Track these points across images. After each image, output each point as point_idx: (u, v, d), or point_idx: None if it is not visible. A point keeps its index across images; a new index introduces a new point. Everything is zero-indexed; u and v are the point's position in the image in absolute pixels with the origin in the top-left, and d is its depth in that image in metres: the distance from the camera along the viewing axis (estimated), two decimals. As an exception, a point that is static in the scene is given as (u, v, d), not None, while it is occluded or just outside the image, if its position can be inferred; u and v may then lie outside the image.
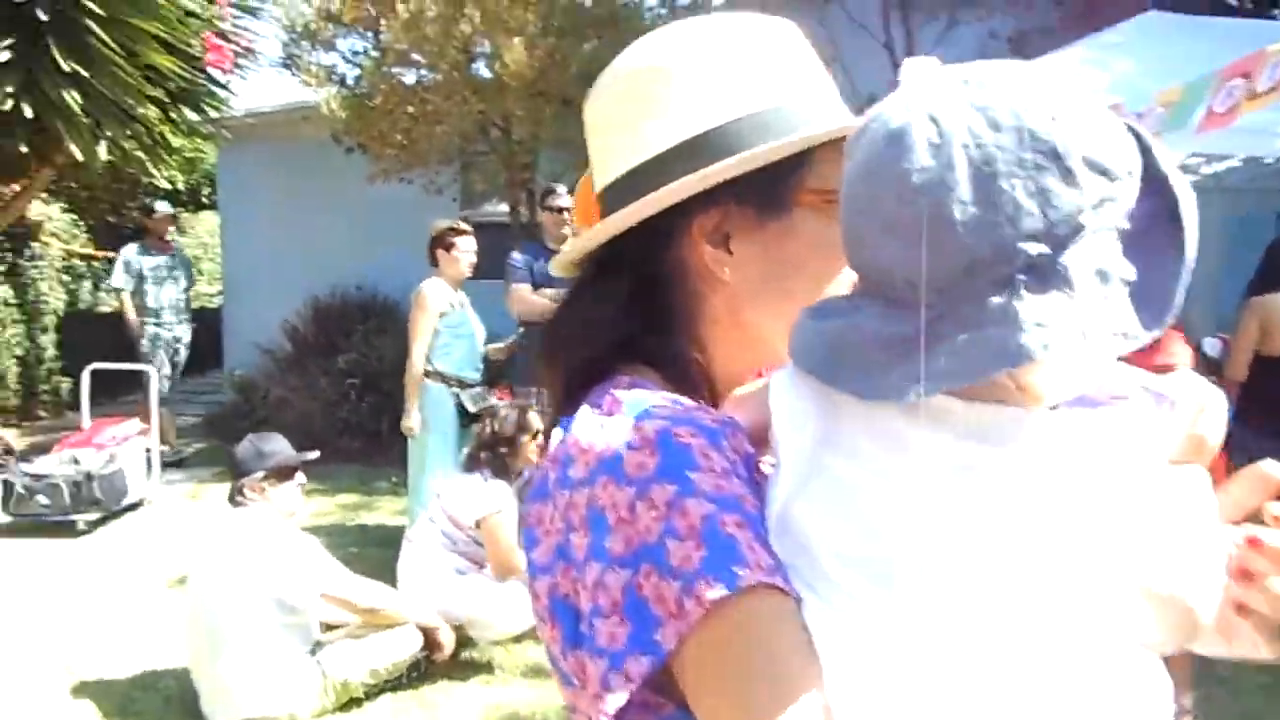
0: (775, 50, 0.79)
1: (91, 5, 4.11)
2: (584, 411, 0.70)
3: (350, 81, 6.59)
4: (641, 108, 0.77)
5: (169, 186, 10.15)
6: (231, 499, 3.13)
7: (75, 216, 9.22)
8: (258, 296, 8.69)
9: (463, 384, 4.51)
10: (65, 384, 9.36)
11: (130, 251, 6.98)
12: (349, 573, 3.25)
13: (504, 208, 9.10)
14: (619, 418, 0.67)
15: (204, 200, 11.11)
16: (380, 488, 6.26)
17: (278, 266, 8.68)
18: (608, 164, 0.80)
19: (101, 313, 10.40)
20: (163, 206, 7.36)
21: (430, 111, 6.04)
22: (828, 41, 6.85)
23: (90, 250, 9.68)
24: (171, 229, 7.36)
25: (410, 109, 6.07)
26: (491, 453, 3.68)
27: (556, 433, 0.73)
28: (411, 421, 4.31)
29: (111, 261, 10.61)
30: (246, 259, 8.99)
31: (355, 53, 6.65)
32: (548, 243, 4.78)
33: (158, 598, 4.25)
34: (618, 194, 0.77)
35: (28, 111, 4.35)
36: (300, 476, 3.19)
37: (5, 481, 5.34)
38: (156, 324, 6.93)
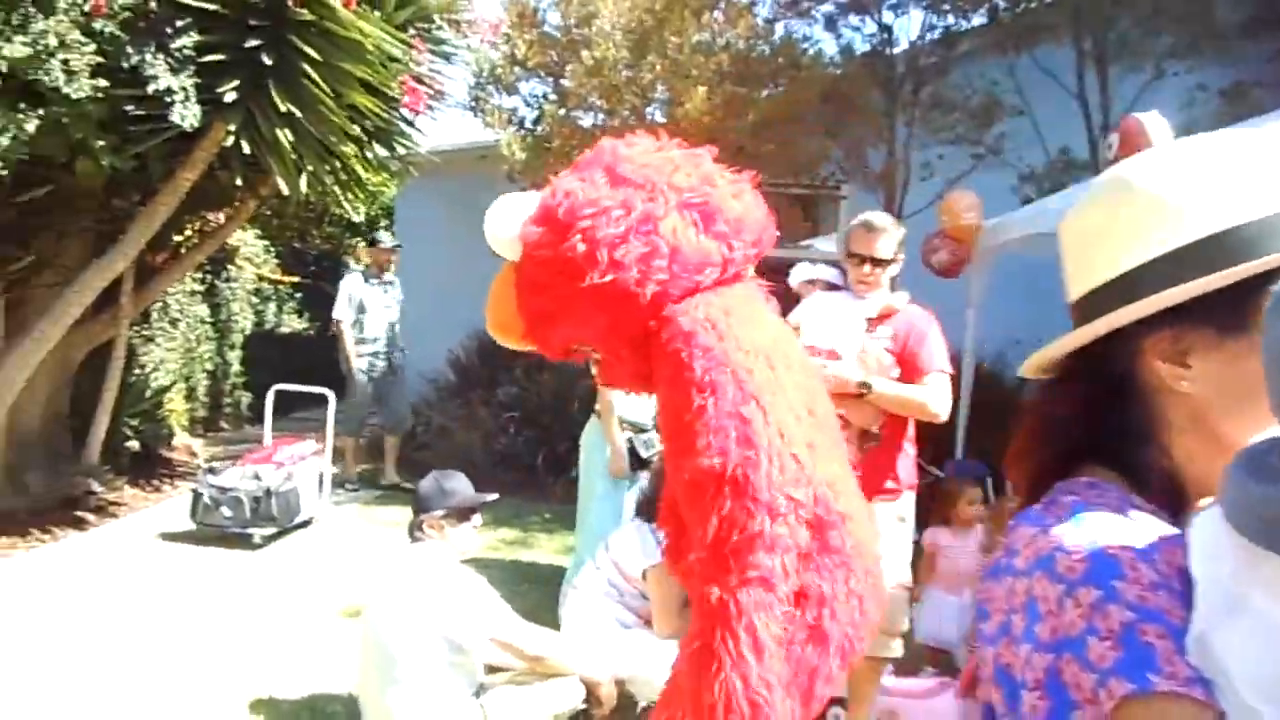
0: (1245, 166, 0.82)
1: (310, 51, 4.35)
2: (1035, 509, 0.81)
3: (529, 124, 6.77)
4: (1121, 225, 0.83)
5: (351, 218, 10.79)
6: (410, 533, 3.16)
7: (267, 242, 9.87)
8: (426, 326, 9.00)
9: (636, 428, 4.47)
10: (246, 399, 10.00)
11: (353, 283, 7.14)
12: (518, 618, 3.22)
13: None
14: (1063, 523, 0.76)
15: (380, 232, 11.74)
16: (534, 523, 6.31)
17: (446, 298, 8.96)
18: (1085, 275, 0.86)
19: (282, 334, 11.10)
20: (385, 239, 7.46)
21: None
22: (1016, 93, 6.64)
23: (277, 275, 10.32)
24: (393, 260, 7.38)
25: (587, 151, 6.16)
26: (651, 505, 3.60)
27: (1015, 523, 0.84)
28: (621, 464, 4.28)
29: (297, 286, 11.40)
30: (417, 289, 9.35)
31: (535, 96, 6.83)
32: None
33: (327, 620, 4.37)
34: (1093, 304, 0.83)
35: (245, 148, 4.65)
36: (477, 518, 3.19)
37: (195, 491, 5.68)
38: (372, 354, 7.05)
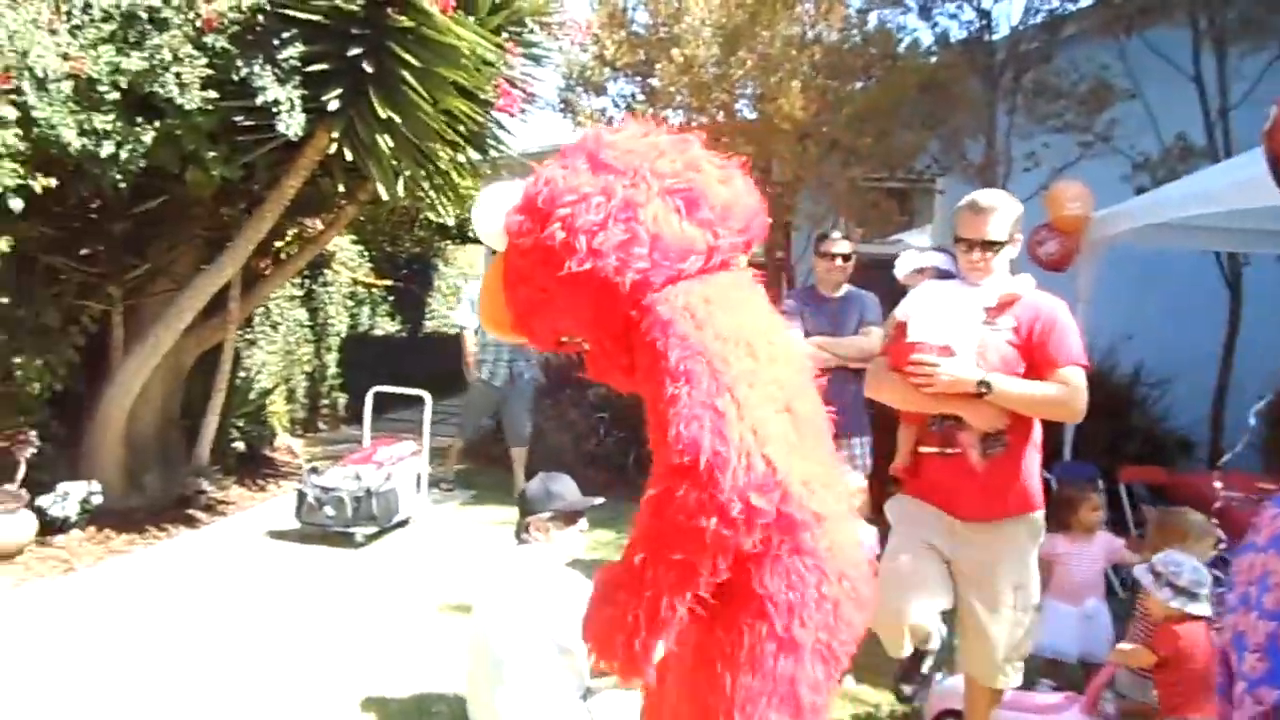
0: None
1: (408, 57, 4.42)
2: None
3: (618, 124, 6.77)
4: None
5: (442, 221, 10.99)
6: (517, 534, 3.17)
7: (361, 247, 10.11)
8: (513, 327, 9.11)
9: None
10: (342, 400, 10.27)
11: (475, 288, 6.81)
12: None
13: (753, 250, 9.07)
14: None
15: (469, 235, 11.93)
16: (626, 524, 6.27)
17: (534, 299, 9.08)
18: None
19: (376, 335, 11.37)
20: None
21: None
22: (1126, 77, 6.34)
23: (371, 279, 10.58)
24: None
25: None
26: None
27: (1265, 504, 0.97)
28: None
29: (389, 290, 11.67)
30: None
31: (624, 96, 6.82)
32: (820, 289, 4.62)
33: (430, 618, 4.43)
34: None
35: (347, 155, 4.75)
36: (583, 522, 3.18)
37: (299, 491, 5.83)
38: (493, 361, 6.89)
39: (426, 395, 6.57)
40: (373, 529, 5.77)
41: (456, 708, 3.37)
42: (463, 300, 7.09)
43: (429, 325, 13.20)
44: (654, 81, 6.52)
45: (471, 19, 4.94)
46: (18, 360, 5.09)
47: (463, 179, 5.90)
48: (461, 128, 5.41)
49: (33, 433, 5.14)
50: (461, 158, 5.74)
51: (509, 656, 3.01)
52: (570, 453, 7.35)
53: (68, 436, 5.72)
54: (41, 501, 5.12)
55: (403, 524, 6.11)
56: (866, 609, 1.82)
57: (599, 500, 3.29)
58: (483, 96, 5.32)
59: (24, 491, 4.97)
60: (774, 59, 5.44)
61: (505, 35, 5.31)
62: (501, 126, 5.97)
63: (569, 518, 3.12)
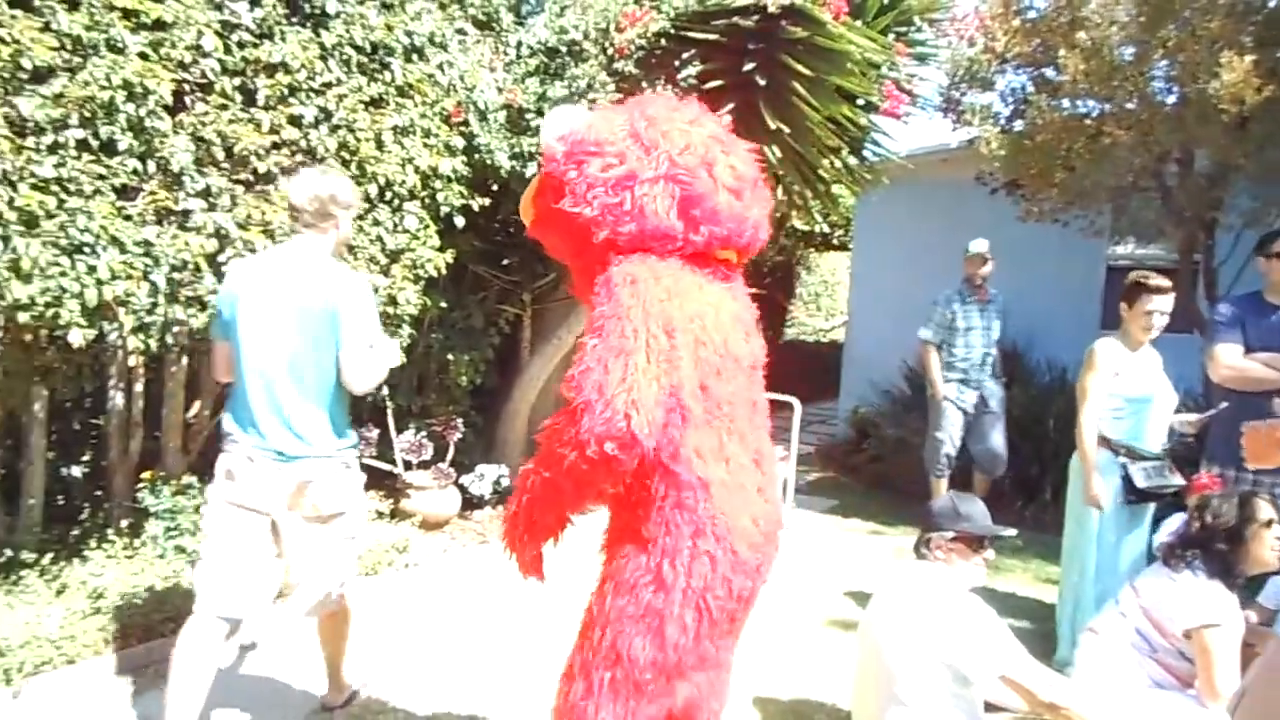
0: None
1: (800, 68, 4.46)
2: None
3: (1005, 119, 6.31)
4: None
5: (810, 228, 11.05)
6: (916, 550, 3.04)
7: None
8: (880, 335, 8.88)
9: (1133, 455, 3.91)
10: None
11: (946, 299, 6.19)
12: (1033, 659, 2.94)
13: (1156, 251, 8.03)
14: None
15: (833, 241, 11.88)
16: (1002, 547, 5.84)
17: (901, 306, 8.78)
18: None
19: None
20: (978, 245, 6.13)
21: (1101, 146, 5.47)
22: None
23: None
24: (984, 269, 6.13)
25: (1076, 145, 5.58)
26: (1203, 549, 3.06)
27: None
28: (1095, 490, 3.82)
29: (755, 298, 11.95)
30: (871, 297, 9.27)
31: (1014, 90, 6.34)
32: (1267, 295, 3.93)
33: (810, 628, 4.42)
34: None
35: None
36: (990, 551, 2.96)
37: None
38: (962, 380, 6.15)
39: (796, 401, 6.60)
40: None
41: (834, 717, 3.31)
42: (933, 312, 6.26)
43: (789, 333, 13.32)
44: (1048, 72, 5.99)
45: (859, 23, 4.87)
46: (450, 357, 5.89)
47: (842, 185, 5.84)
48: (847, 135, 5.35)
49: (459, 420, 5.93)
50: (838, 163, 5.70)
51: (902, 675, 2.89)
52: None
53: (483, 424, 6.52)
54: (463, 480, 5.88)
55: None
56: (754, 577, 2.14)
57: (1010, 531, 3.03)
58: (867, 100, 5.23)
59: (452, 470, 5.74)
60: (1210, 33, 4.73)
61: (892, 36, 5.17)
62: (880, 130, 5.84)
63: (974, 543, 2.92)
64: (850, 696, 3.21)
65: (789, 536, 6.03)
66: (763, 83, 4.58)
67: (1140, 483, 3.85)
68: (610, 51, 4.71)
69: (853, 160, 5.85)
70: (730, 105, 4.70)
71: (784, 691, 3.69)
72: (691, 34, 4.68)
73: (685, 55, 4.71)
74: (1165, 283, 3.93)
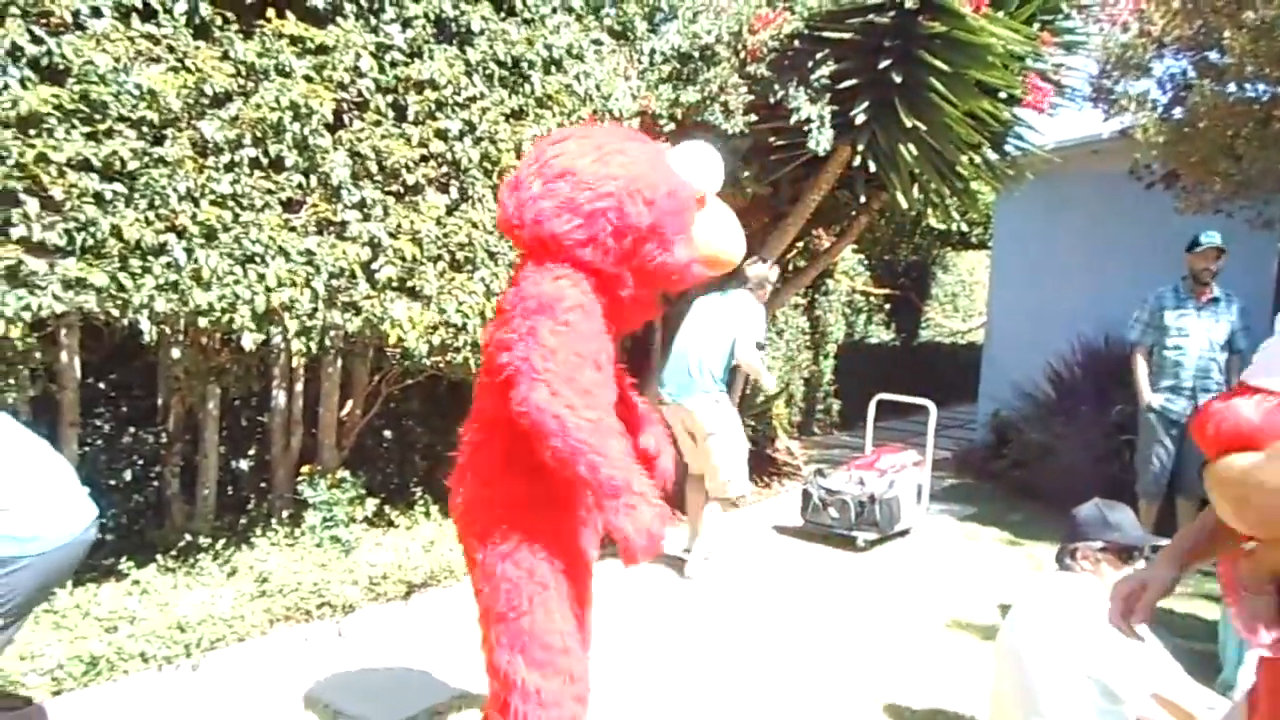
0: None
1: (938, 63, 4.35)
2: None
3: (1164, 107, 5.96)
4: None
5: (941, 227, 10.72)
6: (1059, 559, 2.92)
7: (861, 256, 10.27)
8: (1021, 335, 8.54)
9: None
10: (836, 405, 10.54)
11: (1153, 297, 5.62)
12: (1189, 678, 2.78)
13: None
14: None
15: (971, 240, 11.47)
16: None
17: (1043, 306, 8.42)
18: None
19: (869, 344, 11.48)
20: (1210, 237, 5.40)
21: (1272, 132, 5.09)
22: None
23: (870, 287, 10.68)
24: (1217, 263, 5.43)
25: (1243, 131, 5.21)
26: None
27: None
28: None
29: (889, 299, 11.74)
30: (1013, 297, 8.92)
31: (1173, 75, 5.97)
32: None
33: (936, 632, 4.31)
34: None
35: (870, 166, 4.84)
36: (1141, 563, 2.82)
37: (805, 491, 6.09)
38: (1172, 389, 5.47)
39: (931, 405, 6.43)
40: (874, 535, 5.80)
41: (976, 731, 3.22)
42: (1140, 312, 5.67)
43: (925, 334, 12.96)
44: (1211, 55, 5.62)
45: (1001, 14, 4.71)
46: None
47: (982, 182, 5.65)
48: (988, 130, 5.19)
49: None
50: (978, 160, 5.52)
51: (1045, 690, 2.79)
52: (1085, 477, 6.65)
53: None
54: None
55: (903, 533, 6.06)
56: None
57: (1163, 541, 2.88)
58: (1009, 94, 5.04)
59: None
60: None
61: (1037, 25, 4.97)
62: (1023, 123, 5.62)
63: (1123, 554, 2.79)
64: (988, 710, 3.12)
65: (923, 544, 5.91)
66: (899, 80, 4.50)
67: None
68: (743, 54, 4.72)
69: (993, 156, 5.66)
70: (865, 104, 4.65)
71: (917, 701, 3.61)
72: (826, 34, 4.64)
73: (819, 55, 4.67)
74: None
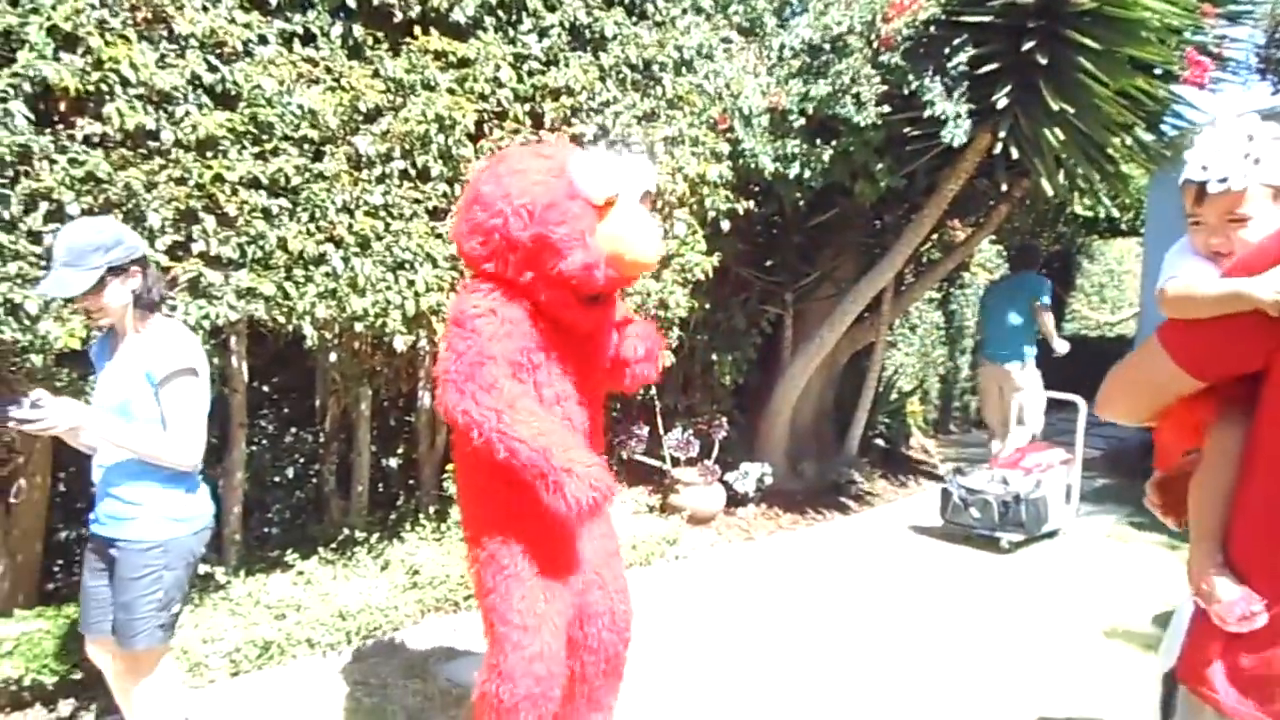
0: None
1: (1087, 41, 4.14)
2: None
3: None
4: None
5: (1086, 214, 10.18)
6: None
7: (999, 247, 9.87)
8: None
9: None
10: (973, 402, 10.16)
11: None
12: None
13: None
14: None
15: (1121, 227, 10.82)
16: None
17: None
18: None
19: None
20: None
21: None
22: None
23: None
24: None
25: None
26: None
27: None
28: None
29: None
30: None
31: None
32: None
33: (1090, 640, 4.10)
34: None
35: (1013, 153, 4.64)
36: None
37: (944, 490, 5.90)
38: None
39: (1081, 401, 6.11)
40: (1020, 536, 5.57)
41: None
42: None
43: (1068, 327, 12.33)
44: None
45: (1159, -15, 4.43)
46: (714, 357, 6.04)
47: (1136, 164, 5.34)
48: (1143, 110, 4.89)
49: (723, 419, 6.06)
50: (1130, 141, 5.21)
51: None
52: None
53: (747, 423, 6.62)
54: (728, 477, 6.00)
55: (1051, 535, 5.79)
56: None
57: None
58: (1165, 69, 4.75)
59: (716, 467, 5.88)
60: None
61: (1198, -4, 4.65)
62: (1182, 100, 5.27)
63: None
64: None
65: (1072, 547, 5.63)
66: (1044, 61, 4.29)
67: None
68: (876, 44, 4.61)
69: (1148, 137, 5.32)
70: (1006, 88, 4.47)
71: (1068, 710, 3.45)
72: (965, 18, 4.48)
73: (957, 41, 4.51)
74: None
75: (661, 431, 5.84)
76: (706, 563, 5.19)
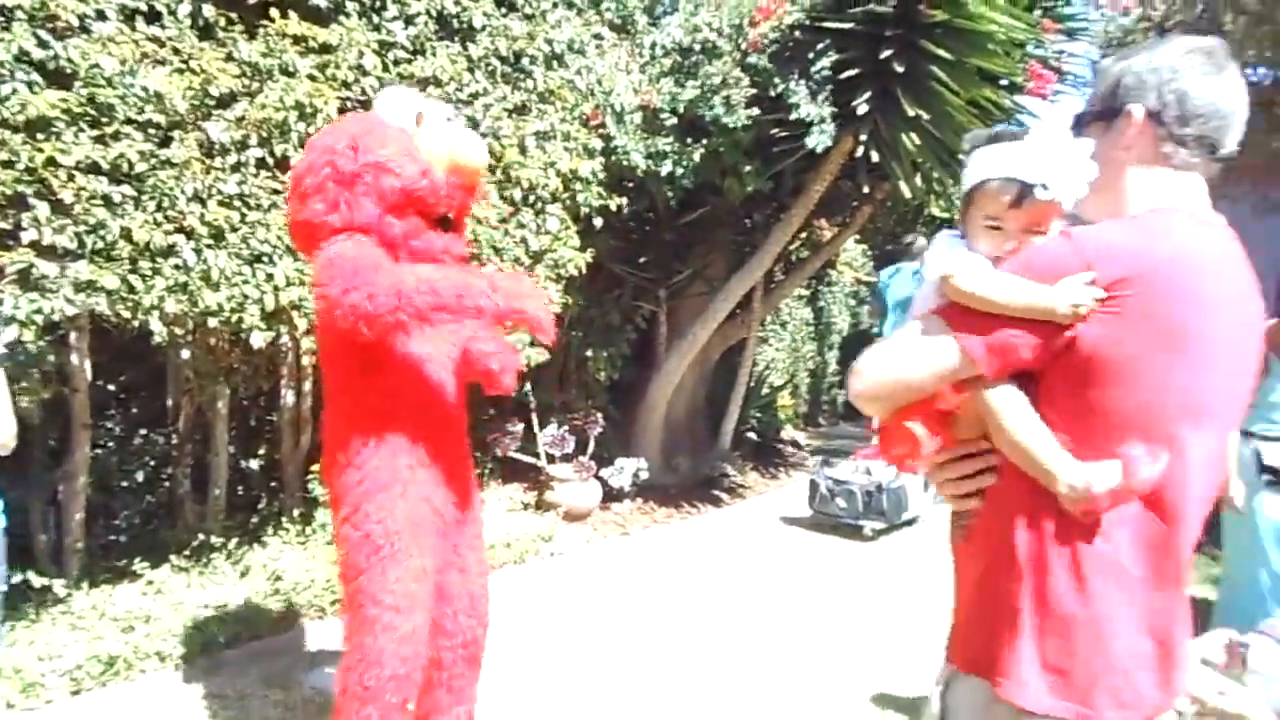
0: None
1: (940, 51, 4.35)
2: None
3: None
4: None
5: (945, 216, 10.70)
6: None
7: (864, 246, 10.27)
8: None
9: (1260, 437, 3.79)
10: (841, 396, 10.55)
11: None
12: (1200, 663, 2.80)
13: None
14: None
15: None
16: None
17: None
18: None
19: (875, 334, 11.48)
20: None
21: (1275, 116, 5.10)
22: None
23: (874, 278, 10.67)
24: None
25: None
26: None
27: None
28: (1231, 491, 3.72)
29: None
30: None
31: (1174, 61, 5.97)
32: None
33: (938, 623, 4.32)
34: None
35: (874, 156, 4.84)
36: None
37: (813, 481, 6.11)
38: None
39: (937, 394, 6.42)
40: (882, 524, 5.82)
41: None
42: None
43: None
44: (1213, 40, 5.63)
45: (1003, 1, 4.70)
46: (589, 353, 6.05)
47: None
48: (989, 119, 5.18)
49: (598, 415, 6.08)
50: (982, 148, 5.50)
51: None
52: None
53: (622, 419, 6.66)
54: (603, 473, 6.02)
55: (911, 522, 6.08)
56: None
57: None
58: (1011, 81, 5.04)
59: (592, 463, 5.89)
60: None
61: (1039, 12, 4.97)
62: (1026, 111, 5.61)
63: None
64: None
65: (931, 533, 5.91)
66: (900, 69, 4.49)
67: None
68: (744, 47, 4.72)
69: (995, 144, 5.63)
70: (867, 94, 4.65)
71: (908, 690, 3.62)
72: (827, 24, 4.64)
73: (820, 46, 4.67)
74: None
75: (536, 428, 5.81)
76: (582, 559, 5.20)
